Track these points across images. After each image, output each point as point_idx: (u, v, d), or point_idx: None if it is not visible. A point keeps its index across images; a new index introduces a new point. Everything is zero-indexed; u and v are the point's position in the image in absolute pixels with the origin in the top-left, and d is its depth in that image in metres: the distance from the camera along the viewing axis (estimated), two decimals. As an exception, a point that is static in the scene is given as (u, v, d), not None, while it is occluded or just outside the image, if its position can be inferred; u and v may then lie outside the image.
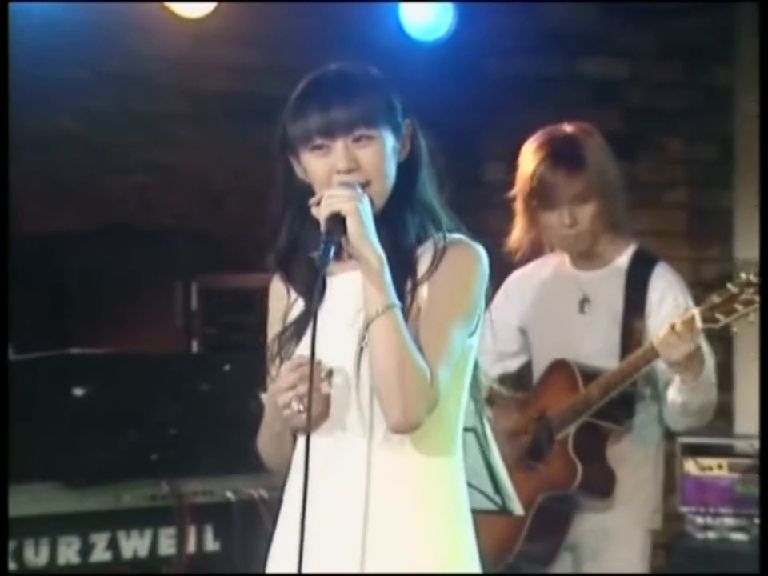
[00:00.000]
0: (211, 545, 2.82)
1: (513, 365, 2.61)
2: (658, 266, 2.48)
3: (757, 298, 2.26)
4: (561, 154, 2.42)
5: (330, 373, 1.58)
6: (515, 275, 2.60)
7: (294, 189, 1.64)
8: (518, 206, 2.48)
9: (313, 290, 1.57)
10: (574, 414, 2.44)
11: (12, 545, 2.59)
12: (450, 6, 3.53)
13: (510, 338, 2.58)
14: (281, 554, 1.65)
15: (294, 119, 1.61)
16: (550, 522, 2.47)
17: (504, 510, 2.12)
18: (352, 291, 1.60)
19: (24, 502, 2.60)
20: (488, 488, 2.09)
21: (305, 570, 1.53)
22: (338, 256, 1.62)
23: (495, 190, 3.88)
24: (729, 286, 2.28)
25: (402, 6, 3.57)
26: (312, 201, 1.59)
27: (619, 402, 2.41)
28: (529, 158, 2.46)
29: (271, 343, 1.67)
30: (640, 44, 3.91)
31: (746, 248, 3.72)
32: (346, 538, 1.58)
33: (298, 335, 1.65)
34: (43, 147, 3.59)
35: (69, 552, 2.68)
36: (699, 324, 2.27)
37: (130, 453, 2.74)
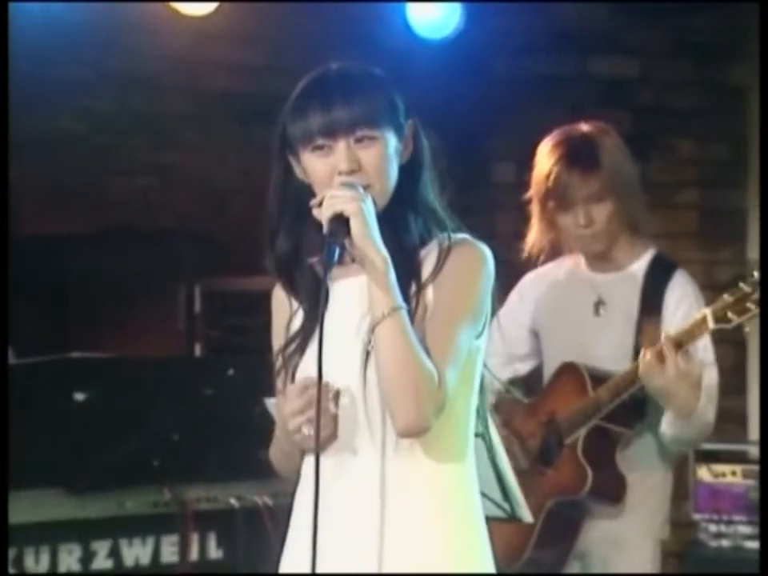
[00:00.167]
0: (214, 552, 2.82)
1: (523, 368, 2.61)
2: (677, 273, 2.48)
3: None
4: (576, 154, 2.42)
5: (337, 394, 1.58)
6: (529, 276, 2.60)
7: (293, 189, 1.64)
8: (534, 207, 2.48)
9: (316, 296, 1.58)
10: (584, 417, 2.43)
11: (12, 552, 2.59)
12: (458, 5, 3.53)
13: (521, 340, 2.58)
14: (293, 566, 1.65)
15: (294, 119, 1.61)
16: (560, 527, 2.47)
17: (513, 517, 2.12)
18: (355, 297, 1.60)
19: (24, 508, 2.60)
20: (496, 495, 2.08)
21: None
22: (340, 260, 1.61)
23: (503, 190, 3.90)
24: (741, 285, 2.27)
25: (409, 4, 3.57)
26: (314, 202, 1.58)
27: (630, 405, 2.40)
28: (544, 158, 2.46)
29: (276, 357, 1.67)
30: (651, 43, 3.91)
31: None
32: (360, 548, 1.59)
33: (302, 346, 1.65)
34: (43, 148, 3.60)
35: (70, 560, 2.68)
36: (711, 324, 2.26)
37: (132, 459, 2.75)
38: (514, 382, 2.61)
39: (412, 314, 1.58)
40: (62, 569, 2.67)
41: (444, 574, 1.58)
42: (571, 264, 2.56)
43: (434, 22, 3.56)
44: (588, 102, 3.83)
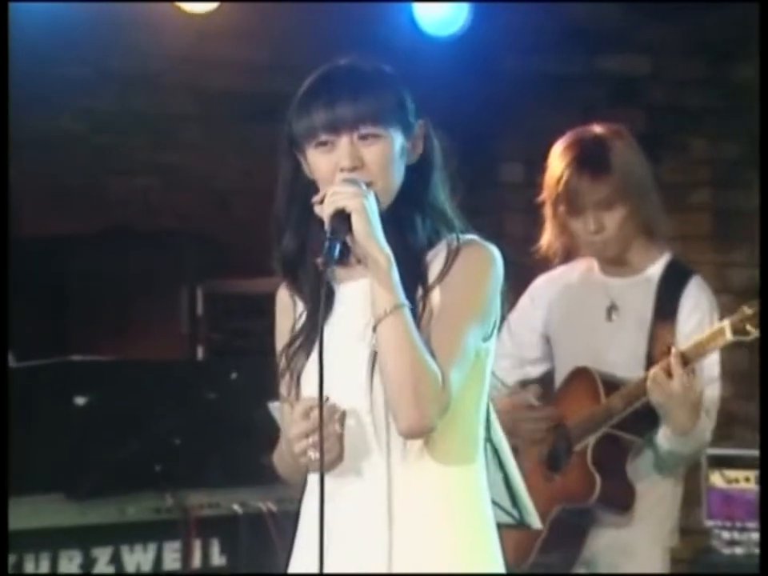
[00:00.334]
0: (217, 559, 2.83)
1: (534, 372, 2.61)
2: (693, 280, 2.47)
3: None
4: (586, 158, 2.42)
5: (343, 415, 1.58)
6: (541, 279, 2.60)
7: (301, 187, 1.64)
8: (547, 210, 2.48)
9: (323, 299, 1.57)
10: (594, 424, 2.43)
11: (12, 559, 2.60)
12: (465, 4, 3.53)
13: (532, 344, 2.58)
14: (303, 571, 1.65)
15: (299, 115, 1.61)
16: (566, 535, 2.47)
17: (522, 524, 2.12)
18: (361, 300, 1.60)
19: (24, 514, 2.61)
20: (505, 501, 2.09)
21: None
22: (345, 261, 1.62)
23: (511, 191, 3.90)
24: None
25: (416, 3, 3.57)
26: (315, 198, 1.59)
27: (641, 413, 2.40)
28: (555, 161, 2.45)
29: (279, 358, 1.67)
30: (662, 40, 3.90)
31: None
32: (368, 554, 1.59)
33: (305, 346, 1.65)
34: (44, 148, 3.61)
35: (70, 566, 2.69)
36: (729, 336, 2.27)
37: (134, 464, 2.75)
38: (524, 385, 2.61)
39: (418, 317, 1.58)
40: (63, 575, 2.68)
41: (452, 574, 1.59)
42: (584, 267, 2.56)
43: (441, 19, 3.56)
44: (598, 101, 3.83)
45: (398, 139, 1.61)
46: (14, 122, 2.98)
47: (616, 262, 2.50)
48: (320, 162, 1.60)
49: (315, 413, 1.55)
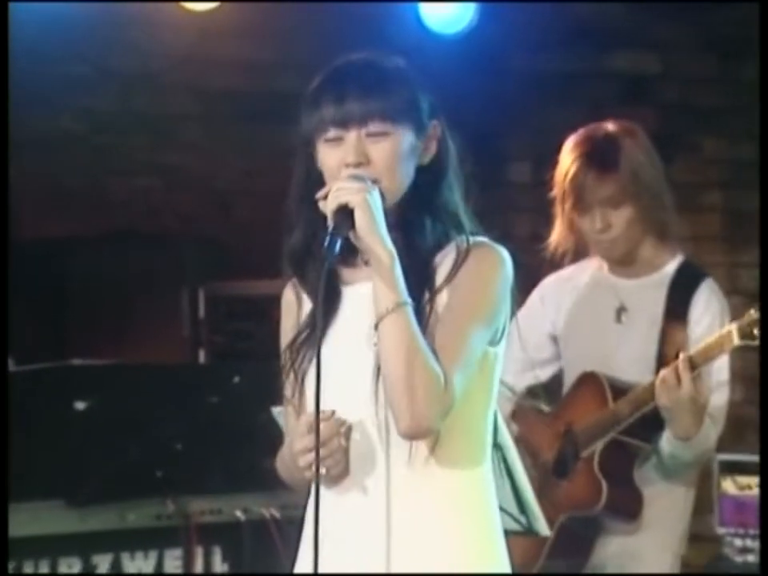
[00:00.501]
0: (219, 567, 2.83)
1: (543, 374, 2.61)
2: (704, 283, 2.47)
3: None
4: (594, 154, 2.42)
5: (349, 428, 1.58)
6: (551, 279, 2.60)
7: (312, 185, 1.64)
8: (556, 207, 2.48)
9: (327, 294, 1.58)
10: (601, 430, 2.43)
11: (10, 566, 2.60)
12: (471, 4, 3.52)
13: (541, 345, 2.58)
14: None
15: (310, 109, 1.62)
16: (573, 542, 2.47)
17: (530, 531, 2.12)
18: (367, 303, 1.60)
19: (23, 521, 2.61)
20: (512, 507, 2.09)
21: None
22: (353, 262, 1.62)
23: (518, 191, 3.90)
24: None
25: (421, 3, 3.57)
26: (319, 194, 1.59)
27: (649, 419, 2.40)
28: (565, 157, 2.46)
29: (283, 357, 1.67)
30: (673, 37, 3.90)
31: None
32: (376, 561, 1.59)
33: (310, 348, 1.65)
34: (43, 148, 3.62)
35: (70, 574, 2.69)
36: (737, 340, 2.26)
37: (134, 469, 2.75)
38: (534, 389, 2.61)
39: (425, 320, 1.58)
40: (62, 583, 2.68)
41: (455, 574, 1.59)
42: (594, 267, 2.56)
43: (447, 17, 3.56)
44: (607, 99, 3.82)
45: (407, 138, 1.61)
46: (13, 121, 2.99)
47: (625, 263, 2.50)
48: (328, 156, 1.61)
49: (322, 426, 1.55)
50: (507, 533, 1.72)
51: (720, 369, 2.41)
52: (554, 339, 2.59)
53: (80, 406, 2.76)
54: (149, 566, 2.75)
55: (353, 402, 1.60)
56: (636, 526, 2.43)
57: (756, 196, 3.88)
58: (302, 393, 1.65)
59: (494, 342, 1.63)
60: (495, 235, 1.66)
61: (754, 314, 2.27)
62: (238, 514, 2.81)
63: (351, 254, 1.61)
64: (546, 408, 2.55)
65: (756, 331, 2.25)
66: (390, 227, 1.59)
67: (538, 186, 2.56)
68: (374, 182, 1.59)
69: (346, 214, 1.55)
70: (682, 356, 2.31)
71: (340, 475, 1.59)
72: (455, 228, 1.64)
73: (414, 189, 1.63)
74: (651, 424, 2.41)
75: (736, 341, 2.27)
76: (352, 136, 1.59)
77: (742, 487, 3.05)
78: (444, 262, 1.63)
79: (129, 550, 2.73)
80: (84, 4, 3.39)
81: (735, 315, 2.37)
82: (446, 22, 3.57)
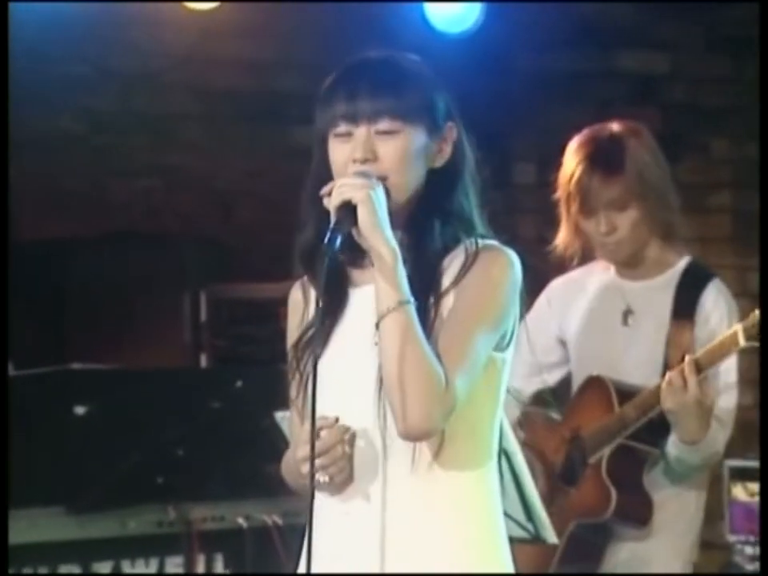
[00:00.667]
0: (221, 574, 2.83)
1: (551, 379, 2.60)
2: (712, 283, 2.46)
3: None
4: (599, 156, 2.41)
5: (353, 436, 1.58)
6: (558, 282, 2.59)
7: (326, 180, 1.63)
8: (561, 209, 2.47)
9: (334, 292, 1.58)
10: (608, 435, 2.42)
11: (10, 573, 2.60)
12: (477, 4, 3.52)
13: (549, 349, 2.57)
14: None
15: (323, 103, 1.63)
16: (583, 549, 2.46)
17: (537, 539, 2.11)
18: (374, 304, 1.59)
19: (22, 528, 2.61)
20: (520, 515, 2.08)
21: None
22: (361, 264, 1.62)
23: (523, 192, 3.89)
24: None
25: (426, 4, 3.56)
26: (323, 191, 1.59)
27: (657, 423, 2.39)
28: (569, 158, 2.45)
29: (288, 356, 1.67)
30: (682, 36, 3.90)
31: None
32: (379, 567, 1.59)
33: (316, 350, 1.63)
34: (42, 149, 3.62)
35: (70, 582, 2.69)
36: (742, 342, 2.26)
37: (135, 475, 2.75)
38: (544, 393, 2.60)
39: (430, 323, 1.58)
40: (62, 591, 2.68)
41: (454, 574, 1.58)
42: (601, 270, 2.55)
43: (452, 16, 3.55)
44: (614, 99, 3.82)
45: (418, 138, 1.61)
46: (12, 121, 2.99)
47: (632, 265, 2.50)
48: (336, 151, 1.61)
49: (324, 434, 1.55)
50: (514, 540, 1.71)
51: (728, 371, 2.40)
52: (562, 342, 2.59)
53: (80, 410, 2.75)
54: (149, 573, 2.75)
55: (356, 406, 1.60)
56: (646, 532, 2.43)
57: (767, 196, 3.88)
58: (306, 394, 1.64)
59: (501, 348, 1.62)
60: (504, 238, 1.65)
61: (759, 314, 2.27)
62: (240, 520, 2.81)
63: (360, 255, 1.61)
64: (555, 416, 2.54)
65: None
66: (398, 228, 1.59)
67: (543, 187, 2.55)
68: (382, 179, 1.59)
69: (348, 210, 1.55)
70: (687, 358, 2.30)
71: (344, 482, 1.59)
72: (465, 232, 1.64)
73: (425, 191, 1.63)
74: (659, 428, 2.40)
75: (742, 342, 2.26)
76: (361, 131, 1.59)
77: (752, 494, 3.04)
78: (452, 264, 1.63)
79: (129, 557, 2.73)
80: (84, 4, 3.39)
81: (744, 318, 2.37)
82: (451, 21, 3.56)
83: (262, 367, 2.97)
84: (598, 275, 2.56)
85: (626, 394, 2.43)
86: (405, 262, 1.59)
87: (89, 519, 2.71)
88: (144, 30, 3.64)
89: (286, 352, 1.69)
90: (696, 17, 3.86)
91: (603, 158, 2.41)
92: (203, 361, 3.46)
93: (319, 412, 1.56)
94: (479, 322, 1.58)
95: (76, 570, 2.69)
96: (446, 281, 1.61)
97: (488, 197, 1.68)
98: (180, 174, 3.80)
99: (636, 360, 2.47)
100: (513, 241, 1.66)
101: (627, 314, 2.50)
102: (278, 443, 1.79)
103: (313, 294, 1.67)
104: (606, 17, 3.87)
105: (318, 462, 1.55)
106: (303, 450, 1.56)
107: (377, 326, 1.55)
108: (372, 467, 1.60)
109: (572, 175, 2.43)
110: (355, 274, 1.64)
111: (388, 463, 1.59)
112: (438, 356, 1.54)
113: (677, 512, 2.47)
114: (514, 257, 1.63)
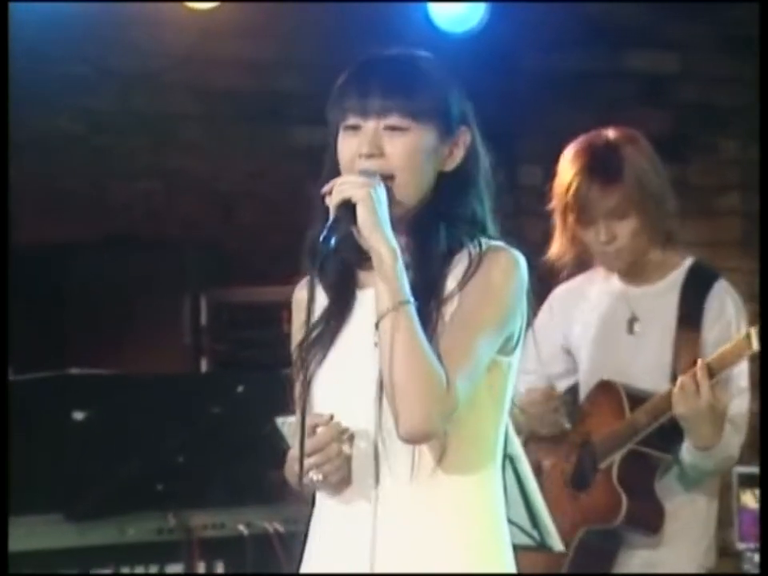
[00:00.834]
0: (222, 582, 2.83)
1: (559, 388, 2.60)
2: (717, 283, 2.46)
3: None
4: (597, 165, 2.40)
5: (351, 435, 1.58)
6: (560, 289, 2.59)
7: (337, 175, 1.64)
8: (557, 219, 2.47)
9: (341, 290, 1.59)
10: (619, 440, 2.42)
11: (7, 582, 2.61)
12: (482, 4, 3.52)
13: (555, 358, 2.57)
14: None
15: (335, 96, 1.63)
16: (594, 557, 2.45)
17: (543, 546, 2.11)
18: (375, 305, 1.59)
19: (20, 536, 2.61)
20: (524, 521, 2.08)
21: None
22: (368, 266, 1.61)
23: (530, 195, 3.89)
24: None
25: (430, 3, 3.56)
26: (324, 189, 1.60)
27: (669, 428, 2.39)
28: (565, 168, 2.45)
29: (293, 356, 1.67)
30: (691, 36, 3.90)
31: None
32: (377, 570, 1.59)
33: (321, 350, 1.64)
34: (41, 150, 3.62)
35: (68, 589, 2.70)
36: (756, 345, 2.26)
37: (134, 482, 2.75)
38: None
39: (432, 325, 1.58)
40: (60, 599, 2.68)
41: (456, 574, 1.58)
42: (602, 277, 2.55)
43: (457, 15, 3.55)
44: (623, 99, 3.82)
45: (428, 138, 1.61)
46: (11, 121, 3.00)
47: (633, 271, 2.49)
48: (344, 144, 1.62)
49: (320, 430, 1.55)
50: (518, 548, 1.71)
51: (740, 374, 2.40)
52: (567, 351, 2.59)
53: (78, 416, 2.76)
54: (150, 580, 2.76)
55: (358, 408, 1.60)
56: (658, 540, 2.42)
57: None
58: (308, 394, 1.64)
59: (507, 352, 1.62)
60: (511, 241, 1.65)
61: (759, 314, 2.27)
62: (241, 528, 2.81)
63: (366, 256, 1.60)
64: (567, 425, 2.53)
65: None
66: (404, 230, 1.60)
67: (550, 190, 2.55)
68: (388, 177, 1.59)
69: (348, 209, 1.56)
70: (700, 362, 2.30)
71: (340, 483, 1.58)
72: (473, 235, 1.63)
73: (434, 194, 1.63)
74: (671, 433, 2.39)
75: (755, 346, 2.26)
76: (370, 126, 1.59)
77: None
78: (457, 267, 1.63)
79: (128, 564, 2.74)
80: (84, 4, 3.39)
81: (753, 320, 2.36)
82: (455, 20, 3.56)
83: (264, 372, 2.97)
84: (599, 282, 2.56)
85: (637, 399, 2.43)
86: (409, 264, 1.59)
87: (87, 526, 2.72)
88: (144, 30, 3.65)
89: (288, 356, 1.70)
90: (706, 16, 3.86)
91: (601, 167, 2.40)
92: (203, 365, 3.47)
93: (316, 418, 1.57)
94: (482, 322, 1.58)
95: (74, 577, 2.70)
96: (451, 284, 1.61)
97: (501, 201, 1.68)
98: (181, 176, 3.81)
99: (644, 367, 2.47)
100: (519, 243, 1.66)
101: (632, 321, 2.50)
102: (279, 449, 1.79)
103: (318, 292, 1.67)
104: (614, 16, 3.87)
105: (312, 459, 1.55)
106: (297, 449, 1.56)
107: (376, 326, 1.55)
108: (371, 471, 1.60)
109: (569, 185, 2.42)
110: (362, 275, 1.65)
111: (389, 467, 1.59)
112: (440, 357, 1.55)
113: (690, 518, 2.46)
114: (519, 257, 1.63)
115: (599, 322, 2.54)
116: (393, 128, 1.59)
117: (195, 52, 3.70)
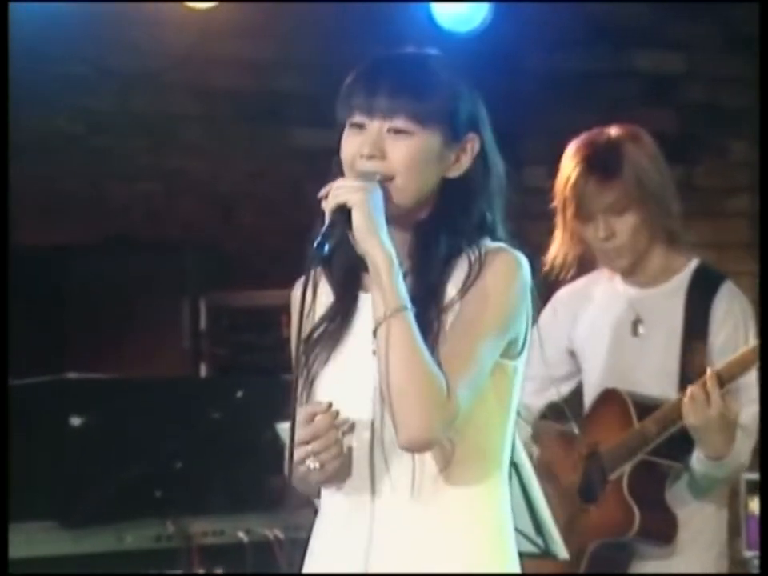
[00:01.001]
0: (221, 590, 2.83)
1: (563, 390, 2.59)
2: (724, 286, 2.45)
3: None
4: (595, 161, 2.40)
5: (351, 425, 1.57)
6: (564, 291, 2.58)
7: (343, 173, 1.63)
8: (558, 218, 2.47)
9: (346, 288, 1.59)
10: (629, 451, 2.41)
11: (3, 589, 2.60)
12: (485, 4, 3.52)
13: (558, 361, 2.55)
14: None
15: (344, 93, 1.63)
16: (606, 569, 2.44)
17: (547, 554, 2.10)
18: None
19: (17, 543, 2.60)
20: (529, 529, 2.07)
21: None
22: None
23: (534, 196, 3.88)
24: None
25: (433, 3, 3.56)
26: (321, 193, 1.59)
27: (679, 437, 2.37)
28: (566, 164, 2.45)
29: (295, 354, 1.65)
30: (698, 35, 3.89)
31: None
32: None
33: (325, 350, 1.64)
34: (39, 150, 3.62)
35: (65, 598, 2.69)
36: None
37: (133, 488, 2.75)
38: (557, 407, 2.58)
39: (434, 334, 1.57)
40: (57, 607, 2.68)
41: (457, 574, 1.58)
42: (607, 278, 2.54)
43: (460, 15, 3.55)
44: (629, 100, 3.81)
45: (432, 143, 1.59)
46: (10, 122, 2.99)
47: (637, 272, 2.48)
48: (347, 142, 1.61)
49: (319, 418, 1.54)
50: (523, 555, 1.70)
51: (750, 383, 2.38)
52: (572, 354, 2.58)
53: (76, 421, 2.76)
54: (147, 588, 2.75)
55: (358, 414, 1.59)
56: (671, 550, 2.41)
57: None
58: (310, 395, 1.64)
59: (512, 355, 1.61)
60: (515, 243, 1.64)
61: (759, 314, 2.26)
62: (241, 535, 2.81)
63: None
64: (572, 429, 2.52)
65: None
66: (405, 237, 1.59)
67: (553, 190, 2.55)
68: (388, 179, 1.58)
69: (344, 213, 1.55)
70: (709, 372, 2.29)
71: (338, 473, 1.57)
72: (475, 240, 1.62)
73: (438, 200, 1.62)
74: (680, 442, 2.38)
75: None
76: (374, 126, 1.59)
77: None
78: (457, 272, 1.62)
79: (127, 573, 2.73)
80: (83, 4, 3.39)
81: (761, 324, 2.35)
82: (458, 20, 3.56)
83: (264, 377, 2.96)
84: (603, 284, 2.55)
85: (644, 407, 2.41)
86: (409, 270, 1.59)
87: (85, 533, 2.71)
88: (144, 30, 3.65)
89: (288, 359, 1.69)
90: (712, 15, 3.85)
91: (600, 162, 2.40)
92: (203, 370, 3.46)
93: (316, 407, 1.56)
94: (483, 327, 1.57)
95: (71, 586, 2.70)
96: (452, 290, 1.60)
97: (510, 206, 1.68)
98: (181, 177, 3.80)
99: (649, 371, 2.45)
100: (522, 245, 1.65)
101: (637, 323, 2.49)
102: (279, 455, 1.79)
103: (320, 291, 1.66)
104: (619, 16, 3.86)
105: (310, 446, 1.54)
106: (298, 434, 1.54)
107: (374, 333, 1.54)
108: (372, 480, 1.59)
109: (567, 179, 2.42)
110: (367, 278, 1.63)
111: (390, 475, 1.58)
112: (440, 364, 1.54)
113: (700, 526, 2.45)
114: (520, 257, 1.61)
115: (603, 323, 2.52)
116: (397, 131, 1.58)
117: (195, 52, 3.69)
